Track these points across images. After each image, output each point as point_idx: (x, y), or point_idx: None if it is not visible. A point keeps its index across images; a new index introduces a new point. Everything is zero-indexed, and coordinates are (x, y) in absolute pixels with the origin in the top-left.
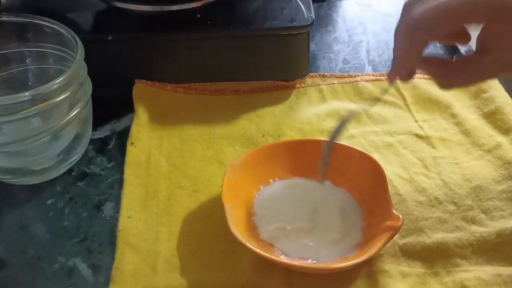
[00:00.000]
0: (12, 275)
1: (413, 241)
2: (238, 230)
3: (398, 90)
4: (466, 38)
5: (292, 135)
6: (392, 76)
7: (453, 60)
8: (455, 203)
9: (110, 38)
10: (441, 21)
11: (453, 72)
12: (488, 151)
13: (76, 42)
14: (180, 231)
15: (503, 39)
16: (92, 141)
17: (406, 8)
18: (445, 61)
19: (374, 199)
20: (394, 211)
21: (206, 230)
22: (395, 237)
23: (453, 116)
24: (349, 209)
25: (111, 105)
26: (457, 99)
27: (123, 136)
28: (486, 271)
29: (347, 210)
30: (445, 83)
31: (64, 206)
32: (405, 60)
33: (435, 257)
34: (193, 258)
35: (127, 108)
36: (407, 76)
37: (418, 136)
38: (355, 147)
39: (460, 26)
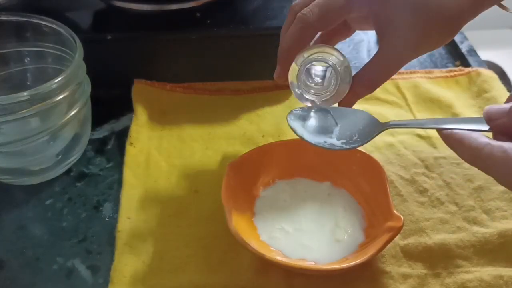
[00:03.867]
0: (10, 276)
1: (414, 242)
2: (238, 230)
3: (399, 89)
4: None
5: (292, 135)
6: (278, 74)
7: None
8: (456, 204)
9: (109, 37)
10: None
11: None
12: None
13: (75, 42)
14: (180, 231)
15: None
16: (91, 141)
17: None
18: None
19: (375, 200)
20: (395, 211)
21: (206, 230)
22: (396, 238)
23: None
24: (350, 209)
25: (110, 105)
26: (458, 98)
27: (122, 136)
28: (487, 272)
29: (347, 211)
30: None
31: (63, 206)
32: (291, 52)
33: (437, 258)
34: (193, 258)
35: (126, 108)
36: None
37: (420, 136)
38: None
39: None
